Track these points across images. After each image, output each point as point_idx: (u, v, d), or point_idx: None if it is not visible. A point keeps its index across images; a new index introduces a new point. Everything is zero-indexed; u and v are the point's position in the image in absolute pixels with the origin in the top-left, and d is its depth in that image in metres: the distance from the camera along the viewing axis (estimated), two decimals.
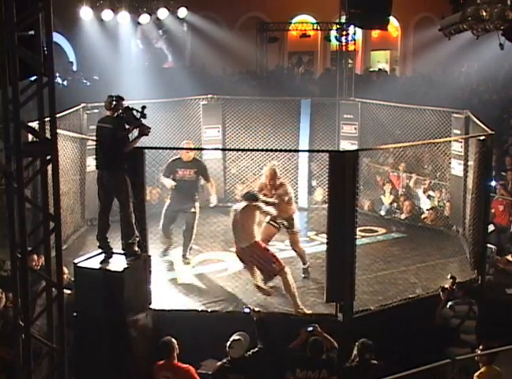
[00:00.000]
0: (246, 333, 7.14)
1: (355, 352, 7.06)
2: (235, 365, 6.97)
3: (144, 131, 7.54)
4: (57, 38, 18.82)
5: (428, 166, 12.68)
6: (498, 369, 6.89)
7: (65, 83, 16.96)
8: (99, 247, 7.85)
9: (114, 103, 7.62)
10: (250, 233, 8.20)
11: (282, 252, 10.27)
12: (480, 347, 7.14)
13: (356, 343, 7.07)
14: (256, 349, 7.07)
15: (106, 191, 7.74)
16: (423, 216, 11.76)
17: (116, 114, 7.63)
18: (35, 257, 7.88)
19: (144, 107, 7.55)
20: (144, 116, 7.56)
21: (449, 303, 8.00)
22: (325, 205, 11.90)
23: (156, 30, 16.27)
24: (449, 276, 8.34)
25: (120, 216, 7.75)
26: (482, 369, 6.92)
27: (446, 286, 8.20)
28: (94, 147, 10.73)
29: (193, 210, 9.46)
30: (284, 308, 8.21)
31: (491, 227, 10.57)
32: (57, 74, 17.57)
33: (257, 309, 7.52)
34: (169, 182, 9.40)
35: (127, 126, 7.54)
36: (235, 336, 7.04)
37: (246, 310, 7.53)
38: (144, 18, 14.50)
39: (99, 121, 7.86)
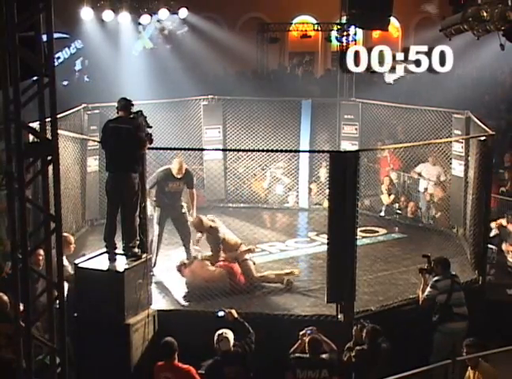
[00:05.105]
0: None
1: (360, 337, 7.12)
2: (228, 358, 6.98)
3: (151, 139, 7.66)
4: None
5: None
6: (492, 370, 6.80)
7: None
8: (106, 247, 7.84)
9: (129, 105, 7.68)
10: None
11: (282, 252, 10.32)
12: (465, 351, 6.98)
13: (361, 328, 7.16)
14: (239, 343, 7.08)
15: (117, 193, 7.67)
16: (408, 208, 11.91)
17: (130, 116, 7.66)
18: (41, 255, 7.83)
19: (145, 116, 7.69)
20: (149, 126, 7.65)
21: (430, 283, 7.91)
22: (321, 202, 12.25)
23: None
24: (422, 256, 8.24)
25: (123, 217, 7.75)
26: (469, 373, 6.82)
27: (425, 267, 8.10)
28: (96, 147, 10.70)
29: (183, 210, 9.43)
30: (291, 311, 8.21)
31: (493, 232, 10.52)
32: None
33: (232, 310, 7.37)
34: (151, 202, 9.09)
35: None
36: (219, 332, 7.03)
37: (220, 314, 7.35)
38: (145, 19, 14.51)
39: (112, 121, 7.81)
